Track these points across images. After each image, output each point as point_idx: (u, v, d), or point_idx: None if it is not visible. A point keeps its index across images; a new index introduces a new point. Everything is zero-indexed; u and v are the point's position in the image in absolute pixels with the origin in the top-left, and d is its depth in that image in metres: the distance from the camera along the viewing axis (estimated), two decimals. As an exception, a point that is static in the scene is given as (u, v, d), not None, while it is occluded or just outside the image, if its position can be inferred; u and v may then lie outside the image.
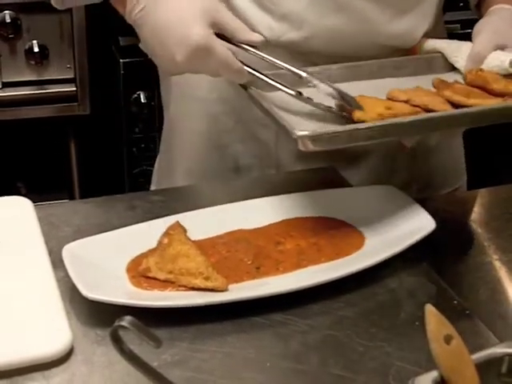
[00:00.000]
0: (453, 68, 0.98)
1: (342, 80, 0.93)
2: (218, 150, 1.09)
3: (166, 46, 0.83)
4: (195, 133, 1.09)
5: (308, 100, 0.86)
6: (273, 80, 0.87)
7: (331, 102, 0.86)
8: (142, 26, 0.86)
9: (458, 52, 0.96)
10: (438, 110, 0.84)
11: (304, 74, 0.86)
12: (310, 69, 0.90)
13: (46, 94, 1.72)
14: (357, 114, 0.82)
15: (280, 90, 0.86)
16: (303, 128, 0.79)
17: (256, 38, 0.87)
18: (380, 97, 0.88)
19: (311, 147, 0.78)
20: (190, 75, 1.07)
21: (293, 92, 0.86)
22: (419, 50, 1.00)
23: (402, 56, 1.01)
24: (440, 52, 0.99)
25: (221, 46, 0.84)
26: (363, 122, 0.81)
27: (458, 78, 0.95)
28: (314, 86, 0.86)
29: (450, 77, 0.96)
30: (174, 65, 0.84)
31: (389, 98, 0.87)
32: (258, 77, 0.87)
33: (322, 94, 0.85)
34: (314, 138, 0.78)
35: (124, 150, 1.86)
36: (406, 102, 0.85)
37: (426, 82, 0.94)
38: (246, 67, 0.86)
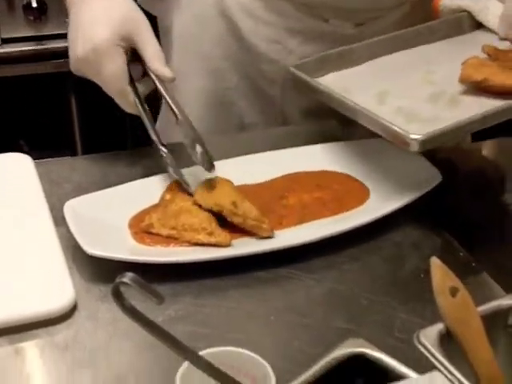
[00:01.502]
0: (479, 25, 0.99)
1: (385, 52, 0.94)
2: (222, 107, 1.08)
3: (74, 41, 0.85)
4: (198, 90, 1.08)
5: (167, 163, 0.84)
6: (150, 124, 0.86)
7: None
8: (70, 26, 0.88)
9: (487, 10, 0.98)
10: None
11: (180, 117, 0.84)
12: (355, 45, 0.92)
13: (45, 49, 1.69)
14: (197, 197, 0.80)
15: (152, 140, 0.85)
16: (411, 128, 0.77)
17: (167, 73, 0.84)
18: (423, 66, 0.90)
19: (421, 149, 0.77)
20: (193, 30, 1.06)
21: (161, 148, 0.84)
22: (438, 7, 1.00)
23: (410, 8, 1.02)
24: (465, 11, 0.99)
25: (117, 58, 0.83)
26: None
27: (490, 36, 0.96)
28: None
29: (479, 35, 0.97)
30: (75, 60, 0.85)
31: (462, 80, 0.86)
32: (139, 110, 0.85)
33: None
34: (427, 141, 0.76)
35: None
36: (481, 82, 0.84)
37: (461, 44, 0.96)
38: (133, 95, 0.84)
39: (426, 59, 0.93)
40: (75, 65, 0.86)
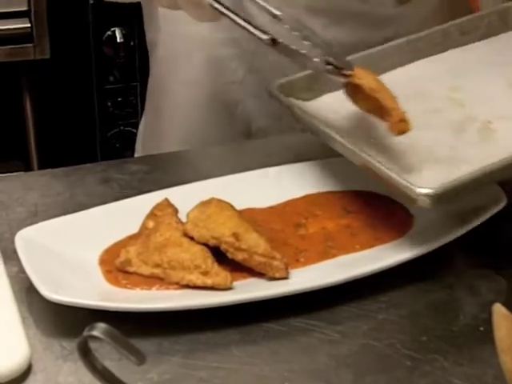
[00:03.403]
0: None
1: (392, 65, 0.92)
2: (223, 107, 1.09)
3: None
4: (193, 84, 1.09)
5: (285, 48, 0.83)
6: (242, 20, 0.85)
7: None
8: None
9: None
10: None
11: (278, 12, 0.84)
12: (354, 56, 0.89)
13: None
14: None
15: (250, 33, 0.85)
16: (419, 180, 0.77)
17: None
18: (446, 80, 0.87)
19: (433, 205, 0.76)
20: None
21: (266, 37, 0.84)
22: None
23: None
24: None
25: None
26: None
27: None
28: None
29: None
30: None
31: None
32: (223, 13, 0.85)
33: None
34: (440, 196, 0.76)
35: (95, 105, 1.85)
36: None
37: (503, 46, 0.95)
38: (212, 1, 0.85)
39: (452, 70, 0.92)
40: None
